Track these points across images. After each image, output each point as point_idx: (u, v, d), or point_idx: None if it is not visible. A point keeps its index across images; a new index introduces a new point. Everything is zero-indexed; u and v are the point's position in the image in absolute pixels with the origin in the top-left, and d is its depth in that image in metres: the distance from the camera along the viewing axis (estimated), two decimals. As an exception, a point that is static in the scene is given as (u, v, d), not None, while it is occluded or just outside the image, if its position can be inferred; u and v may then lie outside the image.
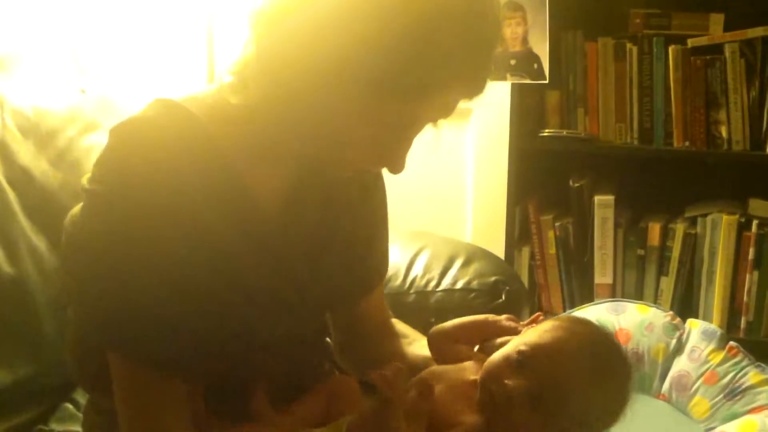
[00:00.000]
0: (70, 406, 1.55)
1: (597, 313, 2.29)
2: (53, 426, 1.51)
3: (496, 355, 1.05)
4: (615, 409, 1.08)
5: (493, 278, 1.88)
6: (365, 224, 1.16)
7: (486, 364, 1.05)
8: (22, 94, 1.64)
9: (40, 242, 1.56)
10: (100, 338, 0.97)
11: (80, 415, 1.49)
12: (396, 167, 0.97)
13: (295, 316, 1.06)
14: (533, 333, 1.06)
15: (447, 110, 0.95)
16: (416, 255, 1.96)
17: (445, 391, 1.04)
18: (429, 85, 0.89)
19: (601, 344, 1.09)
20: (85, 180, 0.98)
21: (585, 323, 1.11)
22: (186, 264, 0.94)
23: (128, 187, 0.93)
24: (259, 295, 1.01)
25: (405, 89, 0.88)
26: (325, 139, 0.94)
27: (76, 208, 1.02)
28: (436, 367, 1.11)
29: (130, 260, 0.93)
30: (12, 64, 1.69)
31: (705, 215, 2.42)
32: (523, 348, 1.03)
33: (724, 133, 2.35)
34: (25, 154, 1.58)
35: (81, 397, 1.54)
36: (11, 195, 1.54)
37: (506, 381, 1.01)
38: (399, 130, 0.95)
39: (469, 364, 1.09)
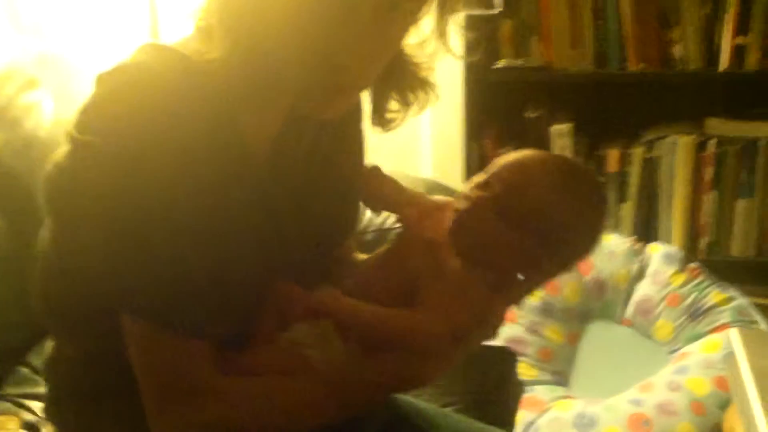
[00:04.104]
0: (25, 369, 1.53)
1: (558, 242, 2.28)
2: (8, 390, 1.50)
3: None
4: (587, 228, 1.01)
5: (450, 214, 1.86)
6: (347, 172, 1.14)
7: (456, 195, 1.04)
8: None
9: (-17, 204, 1.52)
10: (110, 301, 0.94)
11: (37, 377, 1.49)
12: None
13: (277, 261, 1.04)
14: (497, 160, 1.04)
15: None
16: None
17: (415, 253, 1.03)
18: None
19: (565, 160, 1.06)
20: (73, 129, 0.93)
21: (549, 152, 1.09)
22: (188, 212, 0.91)
23: (128, 136, 0.89)
24: (246, 241, 0.98)
25: None
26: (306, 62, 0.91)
27: (58, 156, 0.96)
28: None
29: (137, 215, 0.90)
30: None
31: (662, 138, 2.41)
32: (487, 172, 1.02)
33: (678, 53, 2.33)
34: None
35: (36, 359, 1.52)
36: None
37: (471, 194, 1.00)
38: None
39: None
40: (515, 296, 1.03)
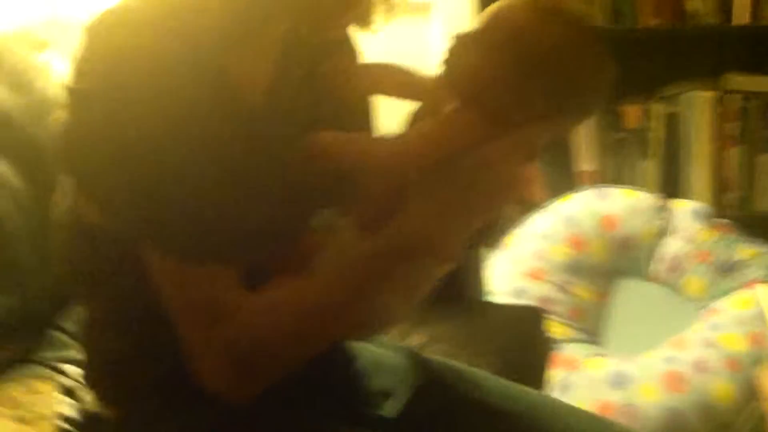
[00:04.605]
0: (59, 334, 1.51)
1: (583, 200, 2.26)
2: (43, 354, 1.47)
3: None
4: (575, 55, 0.94)
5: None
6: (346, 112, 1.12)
7: None
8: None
9: (5, 168, 1.48)
10: (132, 244, 0.94)
11: (71, 341, 1.47)
12: None
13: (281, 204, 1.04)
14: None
15: None
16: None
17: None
18: None
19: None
20: (68, 81, 0.94)
21: None
22: (188, 147, 0.92)
23: (119, 83, 0.90)
24: (246, 180, 0.98)
25: None
26: None
27: (61, 113, 0.97)
28: None
29: (143, 153, 0.90)
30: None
31: (682, 94, 2.37)
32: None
33: (694, 7, 2.29)
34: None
35: (69, 323, 1.50)
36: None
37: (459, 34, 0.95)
38: None
39: None
40: (520, 143, 0.94)
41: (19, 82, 1.56)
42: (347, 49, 1.16)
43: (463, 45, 0.94)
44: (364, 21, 1.00)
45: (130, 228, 0.94)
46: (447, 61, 0.95)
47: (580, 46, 0.94)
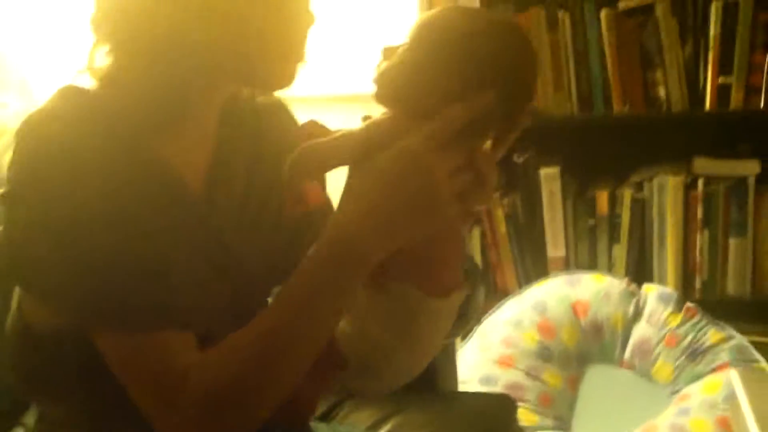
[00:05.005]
0: (21, 430, 1.46)
1: (553, 287, 2.27)
2: (5, 454, 1.45)
3: None
4: (492, 42, 0.95)
5: (446, 261, 1.84)
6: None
7: None
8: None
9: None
10: (88, 321, 0.95)
11: None
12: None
13: (237, 291, 1.06)
14: None
15: None
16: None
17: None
18: None
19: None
20: (4, 188, 0.96)
21: None
22: (127, 235, 0.93)
23: (54, 186, 0.92)
24: (197, 274, 1.00)
25: None
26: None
27: None
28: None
29: (82, 253, 0.92)
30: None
31: (651, 179, 2.40)
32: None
33: (662, 94, 2.34)
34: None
35: (32, 419, 1.40)
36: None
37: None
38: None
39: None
40: (438, 128, 0.92)
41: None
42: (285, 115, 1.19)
43: (394, 58, 0.96)
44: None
45: (80, 316, 0.94)
46: (378, 79, 0.96)
47: (520, 49, 0.97)
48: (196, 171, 1.05)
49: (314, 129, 0.99)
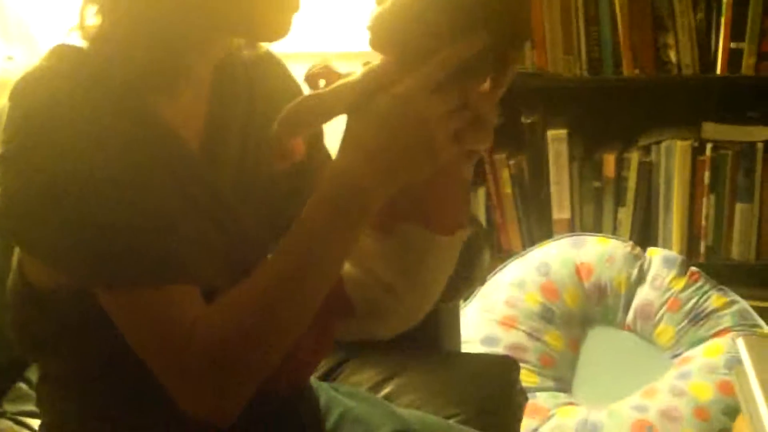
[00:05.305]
0: (23, 385, 1.50)
1: (558, 248, 2.28)
2: (7, 407, 1.46)
3: None
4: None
5: (451, 221, 1.84)
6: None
7: None
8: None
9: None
10: (91, 279, 0.94)
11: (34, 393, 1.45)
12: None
13: (235, 247, 1.06)
14: None
15: None
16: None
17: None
18: None
19: None
20: None
21: None
22: (125, 190, 0.93)
23: (49, 145, 0.91)
24: (198, 229, 1.00)
25: None
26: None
27: None
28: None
29: (79, 206, 0.91)
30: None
31: (658, 143, 2.39)
32: None
33: (673, 58, 2.32)
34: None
35: (34, 375, 1.43)
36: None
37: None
38: None
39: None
40: (428, 73, 0.92)
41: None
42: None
43: (386, 2, 0.94)
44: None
45: (83, 274, 0.94)
46: (371, 25, 0.95)
47: None
48: (191, 128, 1.05)
49: (326, 73, 0.98)
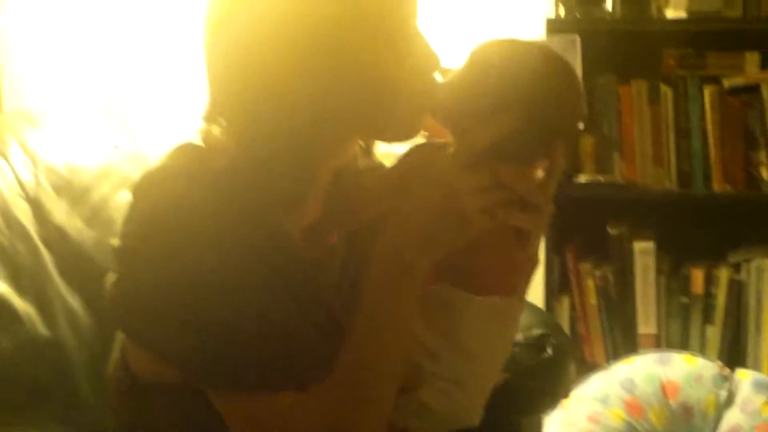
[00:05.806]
0: None
1: (643, 364, 2.22)
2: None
3: None
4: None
5: (537, 331, 1.81)
6: None
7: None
8: (54, 151, 1.61)
9: (75, 302, 1.52)
10: (209, 380, 0.96)
11: None
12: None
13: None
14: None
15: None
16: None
17: None
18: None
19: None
20: (114, 241, 0.97)
21: None
22: (245, 308, 0.94)
23: (162, 241, 0.92)
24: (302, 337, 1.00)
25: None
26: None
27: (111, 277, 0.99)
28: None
29: (194, 310, 0.93)
30: (44, 121, 1.67)
31: (748, 261, 2.35)
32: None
33: (764, 175, 2.30)
34: (59, 212, 1.55)
35: None
36: (46, 255, 1.50)
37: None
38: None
39: None
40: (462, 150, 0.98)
41: (98, 218, 1.59)
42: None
43: (446, 78, 1.01)
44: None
45: (199, 374, 0.95)
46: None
47: (547, 75, 1.00)
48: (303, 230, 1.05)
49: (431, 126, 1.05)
